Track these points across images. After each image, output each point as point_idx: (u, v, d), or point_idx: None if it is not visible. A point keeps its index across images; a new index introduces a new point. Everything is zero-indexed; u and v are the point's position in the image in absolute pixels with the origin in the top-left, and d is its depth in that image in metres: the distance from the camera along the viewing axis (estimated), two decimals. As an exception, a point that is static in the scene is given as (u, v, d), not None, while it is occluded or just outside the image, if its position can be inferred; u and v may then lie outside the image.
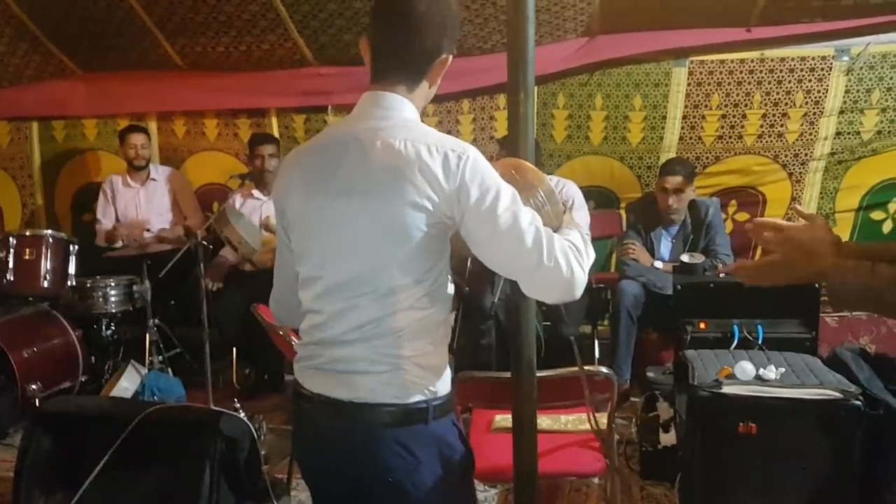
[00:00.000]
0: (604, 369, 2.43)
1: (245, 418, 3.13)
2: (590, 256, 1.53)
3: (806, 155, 4.58)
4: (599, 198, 4.84)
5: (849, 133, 4.51)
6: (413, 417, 1.51)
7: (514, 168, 1.66)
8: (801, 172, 4.62)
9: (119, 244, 4.75)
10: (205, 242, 4.11)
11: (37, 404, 3.72)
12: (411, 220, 1.45)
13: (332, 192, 1.51)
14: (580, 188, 4.38)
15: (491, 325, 3.95)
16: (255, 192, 4.70)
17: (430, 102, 4.25)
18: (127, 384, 4.07)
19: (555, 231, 1.53)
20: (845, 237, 4.73)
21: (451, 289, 1.58)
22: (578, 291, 1.48)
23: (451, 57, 1.57)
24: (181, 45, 4.72)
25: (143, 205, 4.93)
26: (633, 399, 3.93)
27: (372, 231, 1.48)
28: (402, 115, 1.54)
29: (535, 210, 1.53)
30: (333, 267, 1.53)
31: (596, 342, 4.36)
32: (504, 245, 1.46)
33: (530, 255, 1.44)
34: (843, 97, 4.44)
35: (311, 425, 1.61)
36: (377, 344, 1.50)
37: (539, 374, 2.22)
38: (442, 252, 1.52)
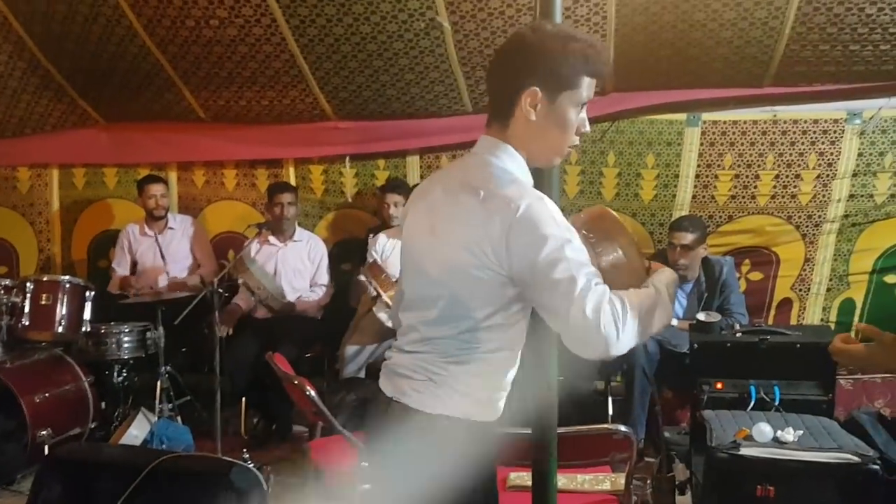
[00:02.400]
0: (623, 428, 2.42)
1: (254, 469, 3.11)
2: (648, 319, 1.50)
3: (819, 216, 4.60)
4: (612, 254, 4.84)
5: (862, 196, 4.53)
6: (427, 427, 1.62)
7: (595, 218, 1.64)
8: (814, 234, 4.63)
9: (131, 293, 4.77)
10: (220, 290, 4.15)
11: (46, 450, 3.70)
12: (463, 262, 1.55)
13: (421, 223, 1.69)
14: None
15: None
16: (272, 239, 4.75)
17: (444, 154, 4.27)
18: (136, 432, 4.07)
19: (634, 286, 1.54)
20: (859, 300, 4.72)
21: (514, 332, 1.64)
22: (614, 350, 1.45)
23: (539, 90, 1.58)
24: (204, 98, 4.81)
25: (160, 253, 4.96)
26: (647, 459, 3.89)
27: (433, 265, 1.63)
28: (484, 156, 1.64)
29: (607, 261, 1.56)
30: (410, 287, 1.72)
31: (609, 399, 4.32)
32: (539, 292, 1.50)
33: (562, 305, 1.45)
34: (856, 160, 4.47)
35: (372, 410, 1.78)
36: (419, 358, 1.66)
37: (558, 430, 2.21)
38: (498, 298, 1.56)
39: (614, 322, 1.43)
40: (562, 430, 2.35)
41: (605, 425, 2.43)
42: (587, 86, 1.62)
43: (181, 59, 4.44)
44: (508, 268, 1.51)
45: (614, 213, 1.66)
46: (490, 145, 1.64)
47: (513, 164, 1.62)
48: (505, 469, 2.77)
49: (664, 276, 1.66)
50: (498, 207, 1.49)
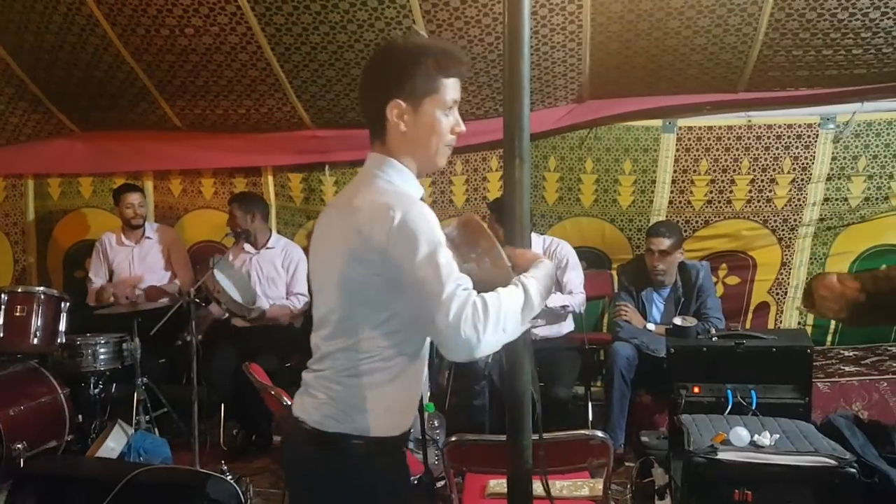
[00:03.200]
0: (599, 433, 2.42)
1: (232, 481, 3.08)
2: (511, 318, 1.55)
3: (795, 220, 4.64)
4: (591, 259, 4.87)
5: (837, 199, 4.59)
6: (329, 446, 1.67)
7: (461, 225, 1.71)
8: (790, 238, 4.68)
9: (110, 301, 4.72)
10: (197, 300, 4.11)
11: (21, 464, 3.65)
12: (353, 271, 1.61)
13: (318, 246, 1.77)
14: (572, 248, 4.42)
15: (484, 386, 3.94)
16: (247, 247, 4.73)
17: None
18: (113, 444, 4.02)
19: (501, 286, 1.59)
20: (836, 302, 4.75)
21: (410, 339, 1.67)
22: (476, 353, 1.51)
23: (404, 102, 1.66)
24: (181, 107, 4.78)
25: (137, 263, 4.92)
26: (627, 464, 3.89)
27: (329, 280, 1.68)
28: (369, 171, 1.72)
29: (474, 265, 1.63)
30: (315, 309, 1.76)
31: (589, 404, 4.33)
32: (413, 294, 1.56)
33: (429, 310, 1.51)
34: (831, 164, 4.53)
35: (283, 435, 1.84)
36: (320, 375, 1.71)
37: (535, 437, 2.21)
38: (390, 303, 1.62)
39: (474, 326, 1.48)
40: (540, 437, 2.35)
41: (582, 431, 2.42)
42: (449, 87, 1.70)
43: (156, 67, 4.41)
44: (392, 272, 1.57)
45: (479, 219, 1.74)
46: (375, 161, 1.72)
47: (398, 177, 1.69)
48: (483, 476, 2.76)
49: (537, 271, 1.69)
50: (378, 216, 1.56)
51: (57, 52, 4.38)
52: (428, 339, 1.72)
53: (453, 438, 2.46)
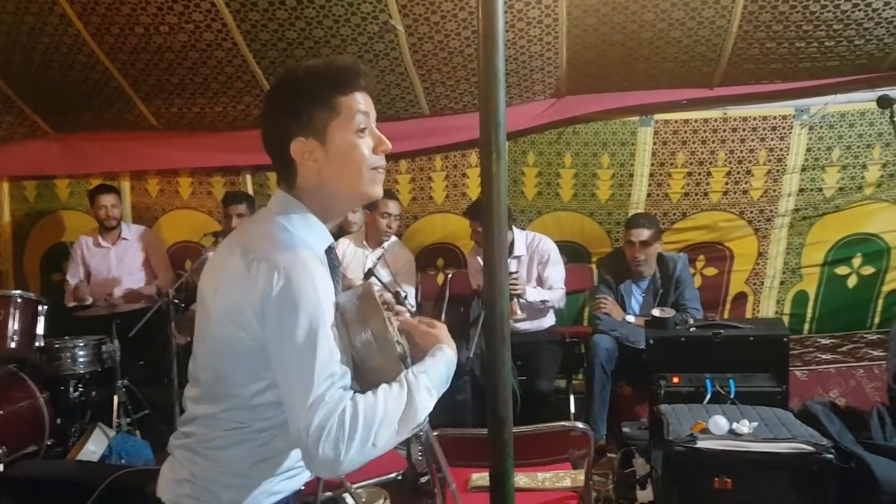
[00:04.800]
0: (580, 424, 2.44)
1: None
2: (385, 429, 1.33)
3: (771, 211, 4.69)
4: (571, 253, 4.90)
5: (812, 190, 4.64)
6: None
7: (360, 296, 1.44)
8: (766, 228, 4.73)
9: (88, 301, 4.68)
10: (176, 300, 4.09)
11: (1, 469, 3.61)
12: (228, 330, 1.38)
13: (202, 289, 1.49)
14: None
15: (466, 381, 3.95)
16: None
17: (403, 159, 4.23)
18: (94, 447, 3.98)
19: (387, 378, 1.39)
20: (812, 292, 4.84)
21: (280, 416, 1.41)
22: (337, 471, 1.31)
23: (307, 139, 1.44)
24: (156, 106, 4.75)
25: (114, 264, 4.88)
26: (609, 455, 3.92)
27: (205, 333, 1.45)
28: (271, 213, 1.48)
29: (362, 347, 1.40)
30: (191, 359, 1.52)
31: (571, 397, 4.35)
32: (280, 380, 1.36)
33: (292, 409, 1.32)
34: (805, 155, 4.58)
35: None
36: (184, 444, 1.48)
37: (515, 430, 2.22)
38: (261, 370, 1.39)
39: (335, 446, 1.28)
40: (520, 429, 2.37)
41: (563, 423, 2.44)
42: (354, 104, 1.46)
43: (131, 66, 4.37)
44: (266, 341, 1.36)
45: (374, 294, 1.45)
46: (281, 201, 1.48)
47: (301, 223, 1.46)
48: (467, 470, 2.77)
49: (433, 361, 1.47)
50: (261, 274, 1.34)
51: (30, 53, 4.34)
52: None
53: (435, 433, 2.46)
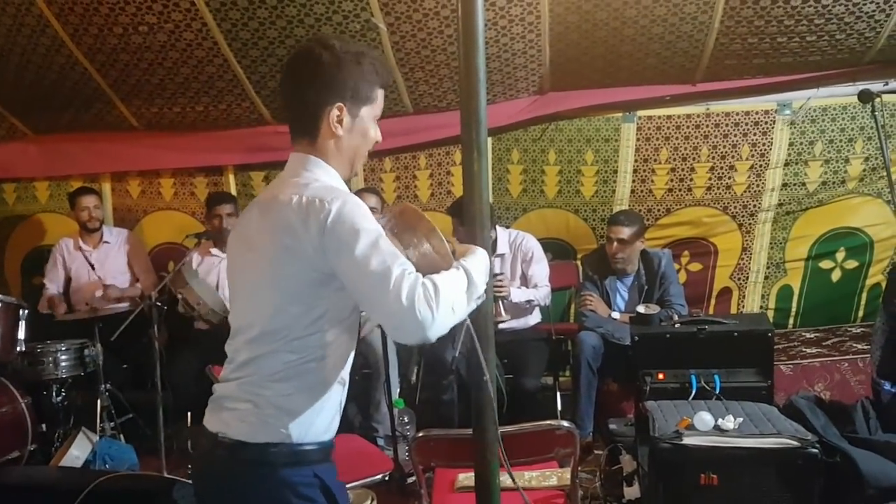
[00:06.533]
0: (565, 423, 2.43)
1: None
2: (458, 297, 1.53)
3: (754, 206, 4.71)
4: (556, 249, 4.90)
5: (795, 184, 4.66)
6: (257, 458, 1.58)
7: (398, 214, 1.70)
8: (750, 223, 4.74)
9: (62, 311, 4.62)
10: (158, 304, 4.05)
11: (-19, 476, 3.57)
12: (284, 267, 1.56)
13: (239, 247, 1.71)
14: (537, 240, 4.44)
15: (452, 381, 3.94)
16: (214, 251, 4.65)
17: (387, 157, 4.26)
18: (77, 452, 3.94)
19: (444, 269, 1.58)
20: (796, 286, 4.86)
21: (339, 338, 1.63)
22: (431, 333, 1.47)
23: (345, 109, 1.65)
24: (136, 106, 4.69)
25: (95, 268, 4.82)
26: (596, 452, 3.92)
27: (254, 279, 1.62)
28: (294, 170, 1.67)
29: (415, 250, 1.61)
30: (234, 313, 1.70)
31: (558, 394, 4.35)
32: (358, 285, 1.51)
33: (379, 295, 1.47)
34: (788, 150, 4.60)
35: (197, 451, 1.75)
36: (245, 381, 1.62)
37: (501, 429, 2.21)
38: (322, 300, 1.57)
39: (428, 305, 1.45)
40: (505, 428, 2.36)
41: (548, 421, 2.43)
42: (382, 97, 1.72)
43: (110, 67, 4.31)
44: (328, 266, 1.53)
45: (414, 206, 1.73)
46: (300, 160, 1.68)
47: (324, 175, 1.66)
48: (453, 470, 2.76)
49: (473, 257, 1.68)
50: (312, 210, 1.52)
51: (7, 53, 4.27)
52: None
53: (420, 434, 2.45)
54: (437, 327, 1.47)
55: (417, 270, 1.54)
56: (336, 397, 1.67)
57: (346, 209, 1.52)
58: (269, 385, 1.59)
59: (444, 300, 1.48)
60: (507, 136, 4.81)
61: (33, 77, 4.45)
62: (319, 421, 1.63)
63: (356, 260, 1.48)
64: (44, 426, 4.23)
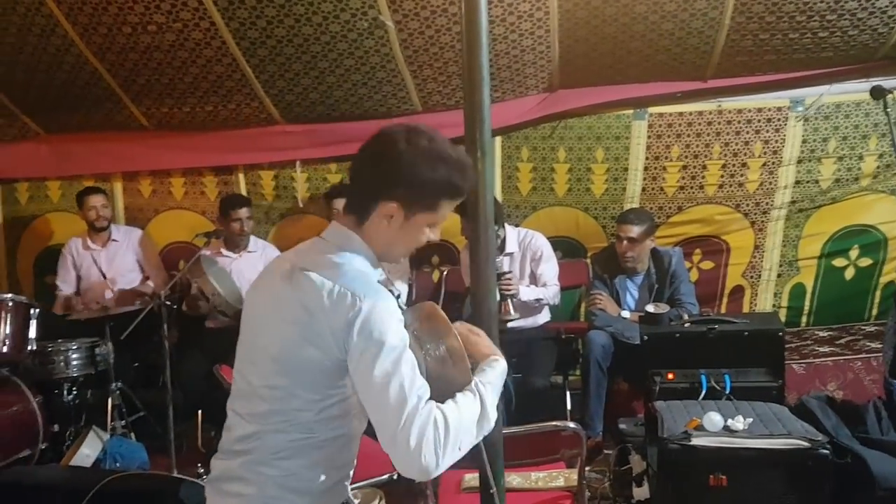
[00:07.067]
0: (571, 424, 2.42)
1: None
2: (467, 435, 1.47)
3: (767, 204, 4.66)
4: (566, 248, 4.87)
5: (808, 182, 4.60)
6: None
7: (424, 317, 1.61)
8: (763, 221, 4.69)
9: (78, 310, 4.64)
10: (168, 302, 4.06)
11: (-7, 474, 3.59)
12: (306, 351, 1.49)
13: (261, 303, 1.62)
14: (547, 239, 4.41)
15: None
16: (225, 251, 4.67)
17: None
18: (88, 451, 3.96)
19: (459, 387, 1.51)
20: (809, 285, 4.80)
21: (355, 415, 1.57)
22: (432, 474, 1.43)
23: (400, 208, 1.56)
24: (147, 106, 4.71)
25: (105, 267, 4.83)
26: (606, 451, 3.89)
27: (267, 351, 1.54)
28: (333, 245, 1.59)
29: (433, 357, 1.53)
30: (238, 374, 1.62)
31: (567, 393, 4.32)
32: (370, 402, 1.46)
33: (389, 425, 1.42)
34: (801, 147, 4.55)
35: None
36: (248, 460, 1.55)
37: (507, 430, 2.20)
38: (337, 388, 1.51)
39: (435, 451, 1.41)
40: (511, 429, 2.35)
41: (554, 422, 2.42)
42: (446, 208, 1.62)
43: (120, 66, 4.33)
44: (347, 360, 1.47)
45: (440, 310, 1.63)
46: (342, 236, 1.61)
47: (361, 260, 1.58)
48: (460, 471, 2.75)
49: (492, 372, 1.60)
50: (342, 303, 1.46)
51: (17, 54, 4.30)
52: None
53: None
54: (439, 470, 1.43)
55: (433, 381, 1.49)
56: (347, 464, 1.64)
57: (377, 313, 1.45)
58: (274, 463, 1.53)
59: (453, 442, 1.43)
60: (516, 134, 4.78)
61: (44, 77, 4.48)
62: (330, 492, 1.60)
63: (374, 378, 1.43)
64: (55, 425, 4.25)
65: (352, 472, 1.67)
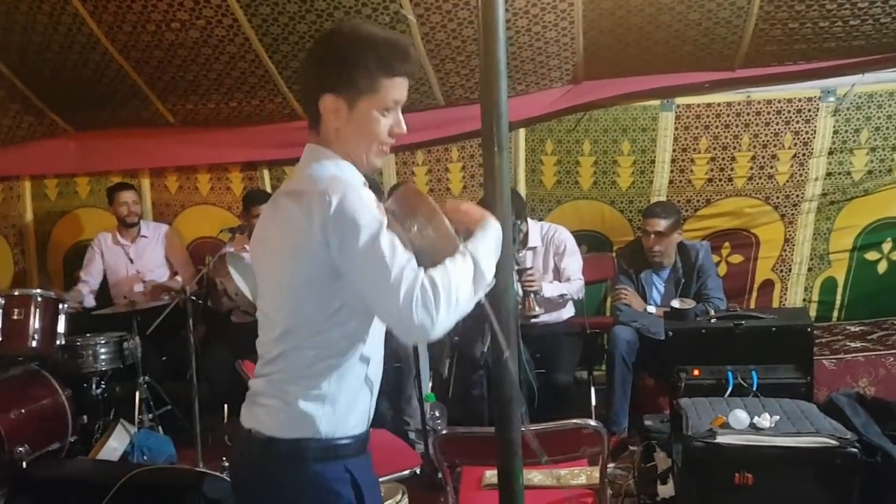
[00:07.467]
0: (592, 422, 2.38)
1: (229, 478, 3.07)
2: (462, 291, 1.48)
3: (797, 196, 4.57)
4: (592, 241, 4.82)
5: (839, 173, 4.51)
6: (291, 454, 1.58)
7: (400, 197, 1.63)
8: (793, 213, 4.61)
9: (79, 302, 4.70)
10: (194, 297, 4.10)
11: (24, 466, 3.65)
12: (295, 266, 1.54)
13: (257, 244, 1.72)
14: (571, 233, 4.37)
15: (482, 376, 3.90)
16: (248, 247, 4.67)
17: (419, 150, 4.22)
18: (116, 444, 4.02)
19: (448, 254, 1.53)
20: (840, 278, 4.70)
21: (362, 329, 1.60)
22: (432, 334, 1.45)
23: (339, 98, 1.57)
24: (172, 102, 4.74)
25: (133, 262, 4.90)
26: (631, 448, 3.85)
27: (271, 277, 1.63)
28: (305, 162, 1.64)
29: (418, 235, 1.55)
30: (259, 310, 1.68)
31: (592, 389, 4.28)
32: (359, 283, 1.50)
33: (378, 296, 1.47)
34: (832, 137, 4.45)
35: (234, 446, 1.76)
36: (273, 378, 1.62)
37: (526, 428, 2.17)
38: (336, 294, 1.54)
39: (426, 308, 1.43)
40: (531, 427, 2.32)
41: (574, 420, 2.38)
42: (392, 87, 1.59)
43: (145, 63, 4.37)
44: (334, 260, 1.50)
45: (416, 187, 1.68)
46: (311, 152, 1.64)
47: (333, 167, 1.59)
48: (480, 468, 2.74)
49: (482, 234, 1.62)
50: (315, 204, 1.48)
51: (44, 52, 4.35)
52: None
53: (444, 432, 2.44)
54: (439, 328, 1.45)
55: (421, 255, 1.51)
56: (366, 390, 1.66)
57: (347, 202, 1.47)
58: (296, 381, 1.58)
59: (444, 299, 1.44)
60: (540, 126, 4.74)
61: (71, 75, 4.53)
62: (349, 415, 1.62)
63: (355, 257, 1.47)
64: (85, 418, 4.32)
65: (373, 406, 1.70)
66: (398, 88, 1.60)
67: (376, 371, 1.69)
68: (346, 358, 1.59)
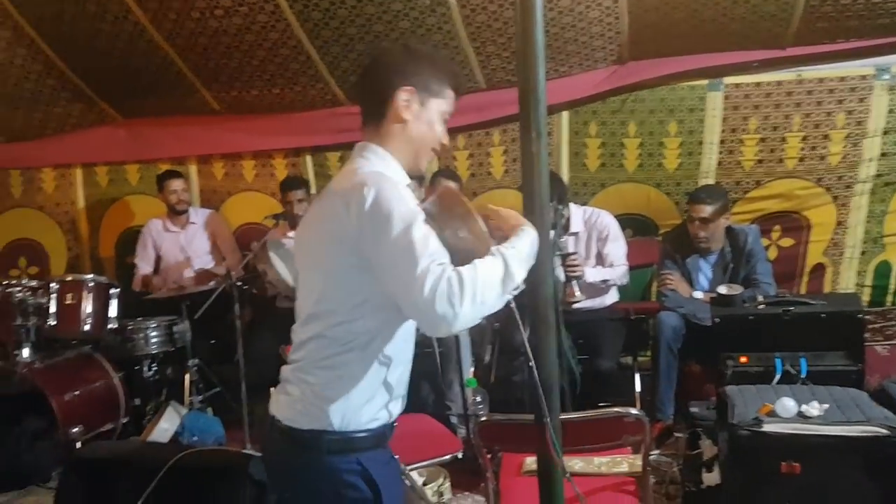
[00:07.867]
0: (633, 410, 2.35)
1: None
2: (490, 289, 1.51)
3: (850, 177, 4.43)
4: (637, 226, 4.75)
5: (894, 154, 4.35)
6: (304, 444, 1.64)
7: (437, 197, 1.68)
8: (846, 196, 4.47)
9: (157, 291, 4.80)
10: (239, 282, 4.16)
11: (78, 447, 3.76)
12: (329, 252, 1.61)
13: (301, 233, 1.82)
14: (615, 217, 4.31)
15: (522, 362, 3.88)
16: (290, 234, 4.73)
17: (460, 134, 4.24)
18: (167, 425, 4.11)
19: (481, 255, 1.56)
20: (895, 263, 4.55)
21: (385, 325, 1.64)
22: (454, 328, 1.48)
23: (414, 92, 1.70)
24: (216, 90, 4.80)
25: (183, 248, 5.00)
26: (677, 435, 3.81)
27: (307, 264, 1.71)
28: (353, 158, 1.73)
29: (453, 234, 1.59)
30: (297, 298, 1.75)
31: (637, 375, 4.23)
32: (387, 273, 1.53)
33: (403, 288, 1.50)
34: (887, 117, 4.30)
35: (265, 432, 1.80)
36: (296, 367, 1.69)
37: (568, 416, 2.16)
38: (362, 287, 1.59)
39: (449, 301, 1.45)
40: (571, 415, 2.31)
41: (616, 409, 2.35)
42: (451, 99, 1.76)
43: (189, 51, 4.42)
44: (366, 252, 1.55)
45: (453, 188, 1.75)
46: (360, 149, 1.73)
47: (379, 163, 1.69)
48: (520, 455, 2.73)
49: (517, 240, 1.66)
50: (353, 197, 1.54)
51: (92, 40, 4.43)
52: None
53: (483, 419, 2.43)
54: (461, 323, 1.47)
55: (454, 254, 1.54)
56: (382, 392, 1.68)
57: (383, 194, 1.53)
58: (315, 372, 1.64)
59: (469, 295, 1.46)
60: (584, 108, 4.67)
61: (119, 63, 4.61)
62: (365, 409, 1.65)
63: (387, 246, 1.50)
64: (137, 400, 4.43)
65: (395, 406, 1.72)
66: (452, 103, 1.78)
67: (398, 376, 1.71)
68: (365, 354, 1.63)
